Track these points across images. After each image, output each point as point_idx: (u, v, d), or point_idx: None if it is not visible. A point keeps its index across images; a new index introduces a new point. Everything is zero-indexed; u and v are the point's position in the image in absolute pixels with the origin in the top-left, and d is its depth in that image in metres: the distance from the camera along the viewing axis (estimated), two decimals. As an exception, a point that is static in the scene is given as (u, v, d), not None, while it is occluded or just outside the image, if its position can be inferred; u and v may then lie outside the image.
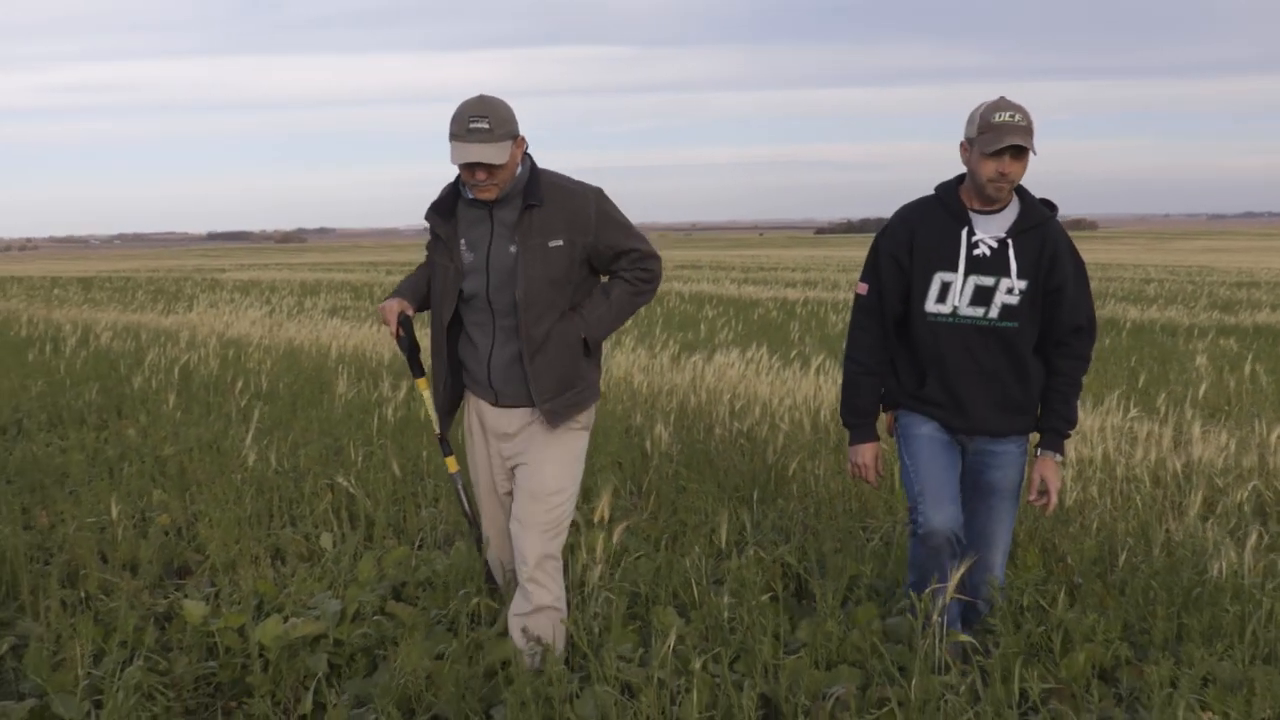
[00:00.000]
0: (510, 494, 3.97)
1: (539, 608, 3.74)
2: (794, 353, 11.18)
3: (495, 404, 3.89)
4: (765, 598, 3.88)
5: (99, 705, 3.48)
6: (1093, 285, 3.96)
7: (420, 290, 4.03)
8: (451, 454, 4.17)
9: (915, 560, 3.82)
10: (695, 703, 3.06)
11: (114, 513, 5.29)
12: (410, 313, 4.00)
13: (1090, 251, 65.15)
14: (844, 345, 3.94)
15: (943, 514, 3.69)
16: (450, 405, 4.02)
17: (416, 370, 4.15)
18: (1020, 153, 3.56)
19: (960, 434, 3.81)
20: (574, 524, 4.69)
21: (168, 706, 3.61)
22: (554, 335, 3.75)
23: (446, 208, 3.83)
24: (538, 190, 3.72)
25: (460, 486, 4.17)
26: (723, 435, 7.03)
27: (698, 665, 3.11)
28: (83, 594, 4.58)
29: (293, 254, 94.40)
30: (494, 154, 3.54)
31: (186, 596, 4.50)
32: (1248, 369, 10.20)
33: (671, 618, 3.55)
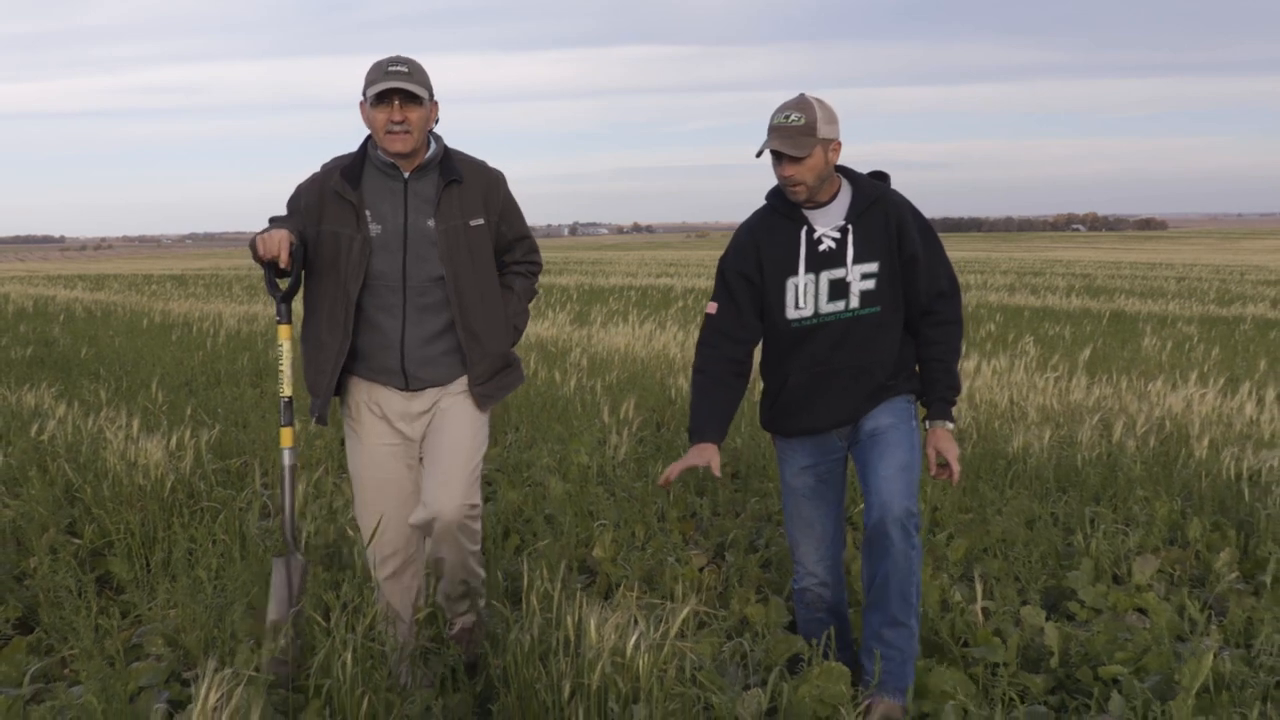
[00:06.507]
0: (411, 492, 3.70)
1: (472, 551, 3.65)
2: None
3: (404, 389, 3.61)
4: (727, 463, 6.13)
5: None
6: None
7: (299, 232, 3.51)
8: (291, 425, 3.63)
9: (797, 616, 3.84)
10: (674, 505, 5.33)
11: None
12: (297, 244, 3.46)
13: (1154, 252, 64.10)
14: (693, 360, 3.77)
15: (812, 576, 3.72)
16: (330, 391, 3.60)
17: (286, 315, 3.58)
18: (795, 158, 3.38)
19: (831, 431, 3.64)
20: (604, 423, 6.89)
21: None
22: (490, 319, 3.62)
23: (354, 174, 3.53)
24: (455, 166, 3.57)
25: (287, 471, 3.66)
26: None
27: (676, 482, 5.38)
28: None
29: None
30: (414, 88, 3.38)
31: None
32: (1169, 346, 12.27)
33: (662, 467, 5.79)
